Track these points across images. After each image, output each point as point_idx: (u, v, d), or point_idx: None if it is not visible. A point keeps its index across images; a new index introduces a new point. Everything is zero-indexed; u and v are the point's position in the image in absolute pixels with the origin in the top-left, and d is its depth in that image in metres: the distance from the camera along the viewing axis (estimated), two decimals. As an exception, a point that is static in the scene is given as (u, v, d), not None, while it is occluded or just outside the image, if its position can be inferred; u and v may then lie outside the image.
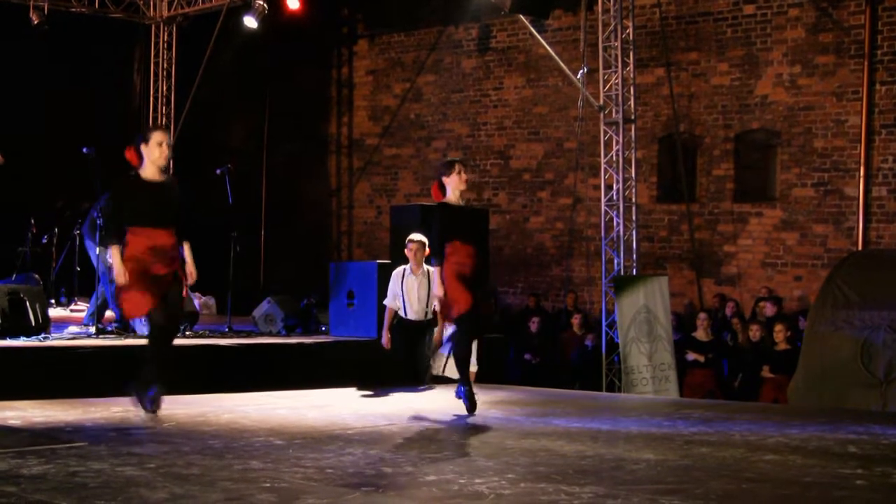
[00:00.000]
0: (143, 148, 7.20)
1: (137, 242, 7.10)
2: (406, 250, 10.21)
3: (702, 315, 13.13)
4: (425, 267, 10.13)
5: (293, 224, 18.70)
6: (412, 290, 10.21)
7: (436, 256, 8.11)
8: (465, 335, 8.18)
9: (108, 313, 10.73)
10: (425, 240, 10.05)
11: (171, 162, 17.77)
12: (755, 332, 12.66)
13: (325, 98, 19.53)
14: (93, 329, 10.22)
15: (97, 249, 10.36)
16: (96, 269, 10.40)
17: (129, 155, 7.25)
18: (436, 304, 8.72)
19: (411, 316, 10.25)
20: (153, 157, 7.20)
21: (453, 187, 8.18)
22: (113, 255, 7.09)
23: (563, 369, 14.12)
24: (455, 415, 8.13)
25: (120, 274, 7.04)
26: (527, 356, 14.13)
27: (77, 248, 13.67)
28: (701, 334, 12.89)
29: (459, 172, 8.17)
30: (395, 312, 10.20)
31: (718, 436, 7.20)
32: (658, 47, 15.35)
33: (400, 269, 10.32)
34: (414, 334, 10.28)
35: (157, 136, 7.23)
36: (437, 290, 8.07)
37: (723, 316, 14.05)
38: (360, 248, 19.04)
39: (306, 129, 19.28)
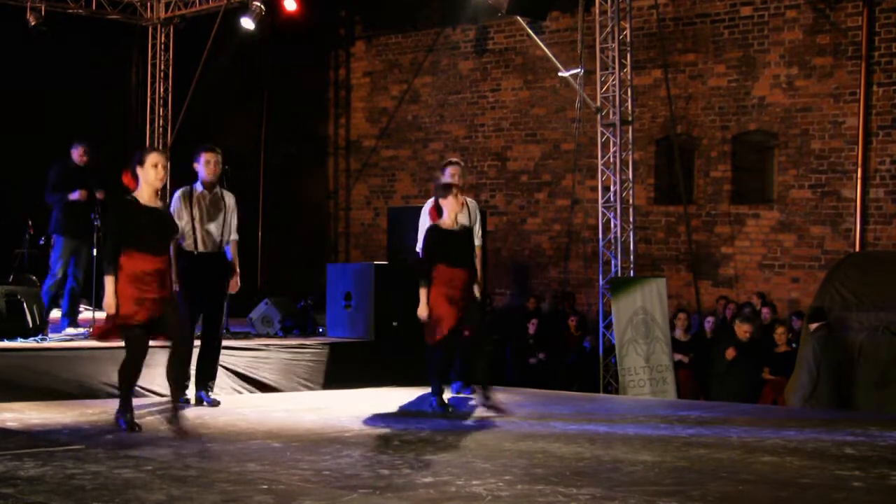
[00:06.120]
0: (138, 170, 7.12)
1: (133, 265, 6.98)
2: (447, 176, 9.05)
3: (681, 315, 13.27)
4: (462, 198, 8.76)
5: (291, 225, 18.69)
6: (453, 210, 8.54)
7: (423, 279, 8.17)
8: (441, 355, 8.28)
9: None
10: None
11: (169, 165, 17.86)
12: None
13: (323, 100, 19.52)
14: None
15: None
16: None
17: (126, 179, 7.17)
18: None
19: None
20: (149, 179, 7.11)
21: (449, 210, 8.26)
22: (106, 285, 6.97)
23: (560, 371, 14.12)
24: (452, 417, 8.14)
25: (111, 305, 6.95)
26: (525, 358, 14.12)
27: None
28: (679, 334, 12.95)
29: (456, 196, 8.25)
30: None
31: (716, 437, 7.20)
32: (655, 49, 15.34)
33: (429, 202, 8.98)
34: None
35: (152, 158, 7.14)
36: (422, 311, 8.11)
37: (724, 317, 14.03)
38: (357, 250, 19.02)
39: (304, 131, 19.27)
